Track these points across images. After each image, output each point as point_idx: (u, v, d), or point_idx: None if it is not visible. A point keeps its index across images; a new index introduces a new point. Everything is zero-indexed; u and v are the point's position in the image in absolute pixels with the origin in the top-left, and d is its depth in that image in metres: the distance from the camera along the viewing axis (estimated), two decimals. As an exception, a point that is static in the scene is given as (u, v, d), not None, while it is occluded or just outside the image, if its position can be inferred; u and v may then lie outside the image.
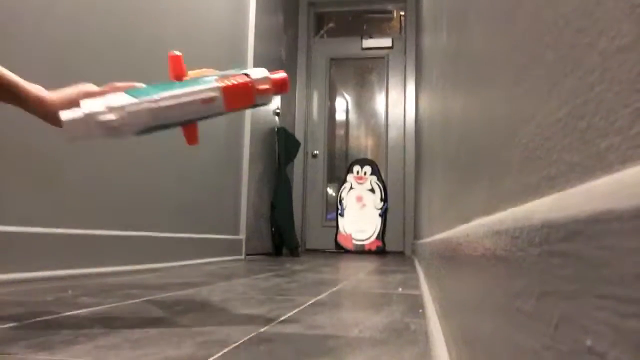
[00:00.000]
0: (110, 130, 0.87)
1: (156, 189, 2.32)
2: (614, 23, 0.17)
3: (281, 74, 0.99)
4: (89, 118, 0.85)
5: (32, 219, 1.57)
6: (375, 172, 5.03)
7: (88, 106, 0.86)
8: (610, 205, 0.14)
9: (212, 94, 0.92)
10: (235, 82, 0.93)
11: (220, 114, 0.95)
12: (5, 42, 1.48)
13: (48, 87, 0.95)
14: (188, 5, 2.64)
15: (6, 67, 0.90)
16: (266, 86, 0.96)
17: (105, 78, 1.91)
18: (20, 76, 0.91)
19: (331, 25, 5.70)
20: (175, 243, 2.46)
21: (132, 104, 0.87)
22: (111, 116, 0.86)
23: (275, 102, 4.40)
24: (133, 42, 2.12)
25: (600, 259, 0.14)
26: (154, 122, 0.90)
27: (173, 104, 0.89)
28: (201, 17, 2.80)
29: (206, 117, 0.96)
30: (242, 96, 0.95)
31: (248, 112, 3.56)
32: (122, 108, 0.87)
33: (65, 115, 0.85)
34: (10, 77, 0.90)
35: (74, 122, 0.85)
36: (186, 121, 0.94)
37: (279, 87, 0.98)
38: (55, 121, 0.92)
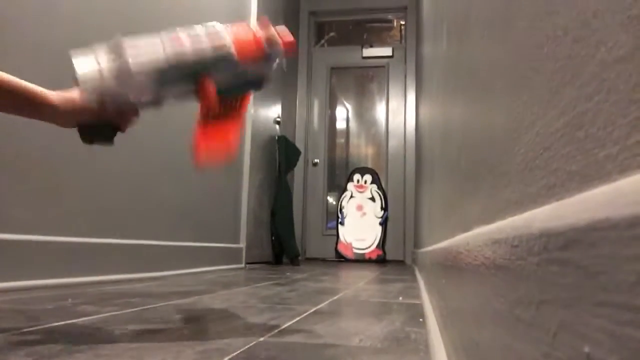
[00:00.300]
0: (126, 77, 0.82)
1: (156, 197, 2.32)
2: (611, 34, 0.17)
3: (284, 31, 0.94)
4: (102, 63, 0.82)
5: (32, 227, 1.57)
6: (376, 180, 5.03)
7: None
8: (608, 213, 0.14)
9: (221, 39, 0.88)
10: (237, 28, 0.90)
11: (235, 67, 0.89)
12: (3, 41, 1.49)
13: (47, 86, 0.95)
14: (187, 14, 2.65)
15: (3, 67, 0.90)
16: (271, 32, 0.91)
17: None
18: (19, 76, 0.90)
19: (332, 34, 5.72)
20: (176, 251, 2.46)
21: (144, 40, 0.85)
22: (125, 52, 0.82)
23: (276, 110, 4.41)
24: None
25: (598, 266, 0.14)
26: (168, 65, 0.85)
27: (184, 44, 0.86)
28: (202, 24, 2.81)
29: (219, 70, 0.89)
30: (250, 43, 0.90)
31: (248, 120, 3.57)
32: (134, 45, 0.84)
33: (77, 63, 0.82)
34: (28, 88, 0.88)
35: (88, 75, 0.82)
36: (200, 70, 0.88)
37: (287, 45, 0.93)
38: (68, 118, 0.91)
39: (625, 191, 0.14)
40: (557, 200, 0.22)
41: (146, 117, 2.26)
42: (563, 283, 0.17)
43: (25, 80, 0.89)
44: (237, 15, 3.39)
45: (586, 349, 0.14)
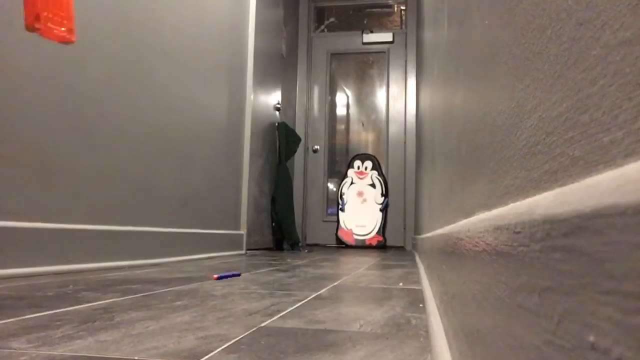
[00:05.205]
0: None
1: (157, 184, 2.32)
2: (617, 16, 0.17)
3: None
4: None
5: (33, 214, 1.57)
6: (376, 167, 5.03)
7: None
8: (614, 200, 0.14)
9: None
10: None
11: None
12: (3, 35, 1.48)
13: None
14: (190, 1, 2.63)
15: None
16: None
17: (103, 71, 1.90)
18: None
19: (332, 19, 5.68)
20: (177, 238, 2.46)
21: None
22: None
23: (276, 96, 4.40)
24: (130, 35, 2.12)
25: (603, 254, 0.14)
26: None
27: None
28: (200, 10, 2.79)
29: None
30: None
31: (248, 107, 3.55)
32: None
33: None
34: None
35: None
36: None
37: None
38: None
39: (631, 177, 0.13)
40: (561, 186, 0.21)
41: (147, 105, 2.26)
42: (567, 270, 0.17)
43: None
44: (236, 3, 3.36)
45: (591, 338, 0.14)
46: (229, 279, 1.54)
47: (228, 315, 0.92)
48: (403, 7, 5.49)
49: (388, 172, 5.19)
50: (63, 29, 0.89)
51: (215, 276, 1.52)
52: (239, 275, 1.58)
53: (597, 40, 0.19)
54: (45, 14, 0.87)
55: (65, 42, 0.93)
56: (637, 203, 0.12)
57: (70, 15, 0.89)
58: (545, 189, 0.24)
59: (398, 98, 5.31)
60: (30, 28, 0.88)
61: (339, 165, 5.42)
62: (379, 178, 5.00)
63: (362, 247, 4.86)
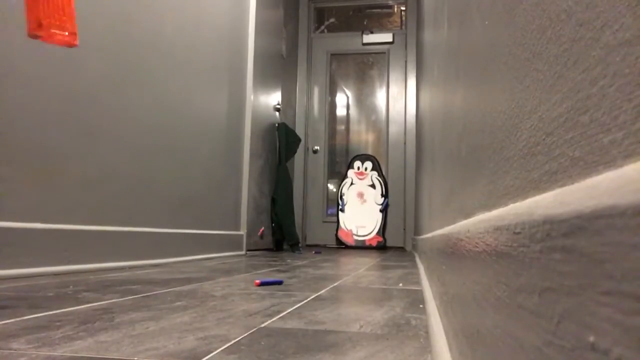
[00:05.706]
0: None
1: (157, 184, 2.32)
2: (617, 16, 0.17)
3: None
4: None
5: (33, 215, 1.57)
6: (376, 167, 5.03)
7: None
8: (614, 200, 0.14)
9: None
10: None
11: None
12: (2, 35, 1.48)
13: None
14: (190, 1, 2.63)
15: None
16: None
17: (103, 71, 1.90)
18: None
19: (332, 20, 5.68)
20: (176, 239, 2.46)
21: None
22: None
23: (276, 97, 4.40)
24: (130, 35, 2.12)
25: (603, 254, 0.14)
26: None
27: None
28: (201, 11, 2.79)
29: None
30: None
31: (248, 107, 3.56)
32: None
33: None
34: None
35: None
36: None
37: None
38: None
39: (631, 178, 0.13)
40: (561, 186, 0.22)
41: (147, 105, 2.26)
42: (567, 271, 0.17)
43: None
44: (236, 4, 3.36)
45: (591, 339, 0.14)
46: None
47: (228, 316, 0.92)
48: (403, 8, 5.49)
49: (388, 173, 5.19)
50: (66, 33, 0.90)
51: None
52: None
53: (596, 41, 0.19)
54: (48, 20, 0.88)
55: (69, 46, 0.94)
56: (637, 204, 0.12)
57: (73, 19, 0.89)
58: (545, 190, 0.24)
59: (398, 99, 5.31)
60: (33, 35, 0.88)
61: (339, 165, 5.42)
62: (379, 179, 5.00)
63: (362, 247, 4.86)
